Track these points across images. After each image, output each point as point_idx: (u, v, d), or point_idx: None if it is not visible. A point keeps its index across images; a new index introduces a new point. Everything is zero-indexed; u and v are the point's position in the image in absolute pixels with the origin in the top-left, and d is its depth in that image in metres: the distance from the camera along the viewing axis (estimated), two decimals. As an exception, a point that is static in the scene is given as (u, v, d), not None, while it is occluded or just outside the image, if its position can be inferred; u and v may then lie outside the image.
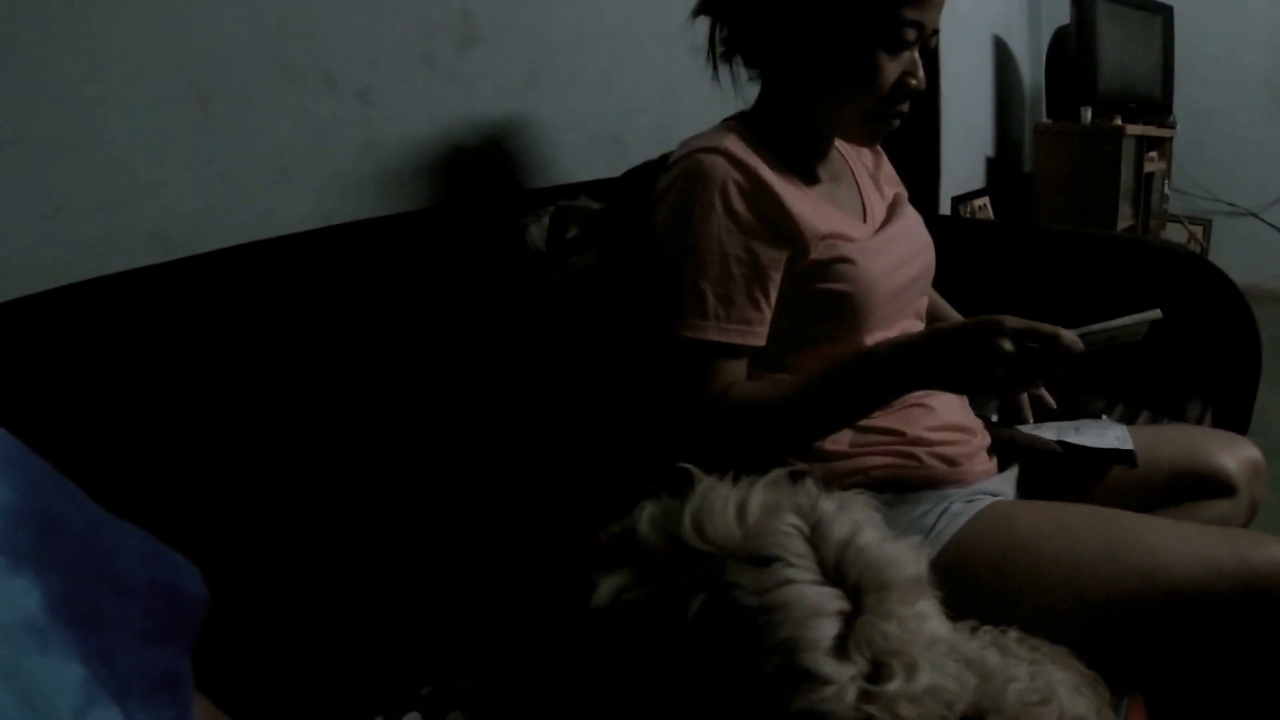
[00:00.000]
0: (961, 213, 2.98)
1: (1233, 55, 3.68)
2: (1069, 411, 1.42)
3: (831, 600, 0.54)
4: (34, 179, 0.84)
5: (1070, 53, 3.06)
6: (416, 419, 0.91)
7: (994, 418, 1.22)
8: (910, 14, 0.91)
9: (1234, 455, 1.06)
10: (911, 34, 0.92)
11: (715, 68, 1.03)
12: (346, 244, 1.04)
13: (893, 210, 1.10)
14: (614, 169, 1.38)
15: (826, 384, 0.91)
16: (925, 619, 0.57)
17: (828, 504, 0.59)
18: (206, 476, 0.75)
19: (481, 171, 1.27)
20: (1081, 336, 0.81)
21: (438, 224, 1.12)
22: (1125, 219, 3.12)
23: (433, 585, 0.83)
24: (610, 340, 0.97)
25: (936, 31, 0.96)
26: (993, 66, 3.31)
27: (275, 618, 0.74)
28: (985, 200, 3.18)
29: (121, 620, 0.44)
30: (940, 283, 1.21)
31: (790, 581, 0.54)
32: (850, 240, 0.97)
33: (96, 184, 0.89)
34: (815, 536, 0.56)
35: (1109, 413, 1.45)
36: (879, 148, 1.22)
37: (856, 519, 0.58)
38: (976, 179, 3.22)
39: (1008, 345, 0.80)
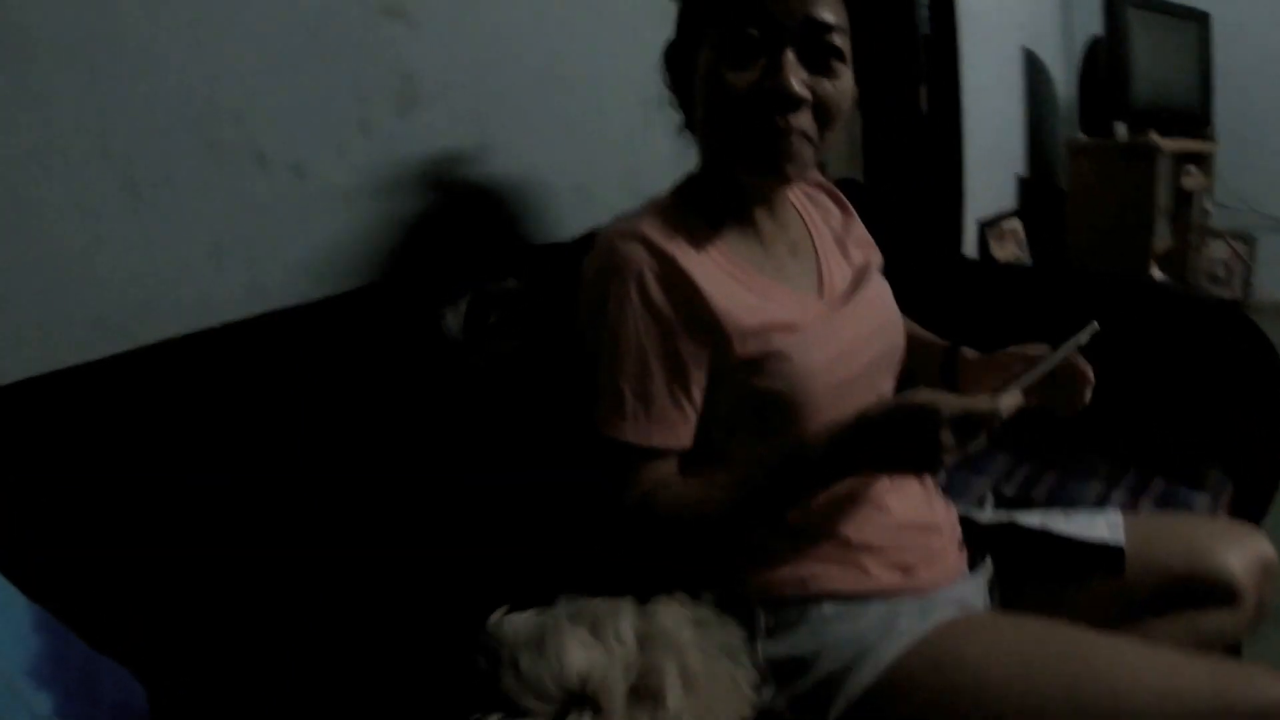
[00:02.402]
0: (989, 237, 2.85)
1: (1274, 62, 3.49)
2: (1063, 491, 1.33)
3: None
4: None
5: (1103, 65, 2.92)
6: (340, 513, 0.92)
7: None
8: (741, 18, 0.83)
9: (1241, 555, 0.94)
10: (755, 33, 0.83)
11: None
12: (270, 333, 1.00)
13: (858, 281, 1.00)
14: (581, 221, 1.32)
15: (758, 486, 0.84)
16: None
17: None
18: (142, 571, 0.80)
19: (430, 240, 1.21)
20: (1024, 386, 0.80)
21: (369, 306, 1.06)
22: (1162, 238, 2.96)
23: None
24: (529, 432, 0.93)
25: (827, 26, 0.83)
26: (1023, 80, 3.18)
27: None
28: (1016, 222, 3.05)
29: None
30: (964, 330, 1.13)
31: None
32: (788, 330, 0.88)
33: (34, 276, 0.88)
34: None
35: (1118, 479, 1.36)
36: (850, 207, 1.12)
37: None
38: (1007, 200, 3.09)
39: (948, 438, 0.75)
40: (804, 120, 0.85)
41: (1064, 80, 3.45)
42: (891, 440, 0.79)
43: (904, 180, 2.59)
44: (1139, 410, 1.46)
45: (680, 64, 0.93)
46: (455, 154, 1.24)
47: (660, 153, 0.95)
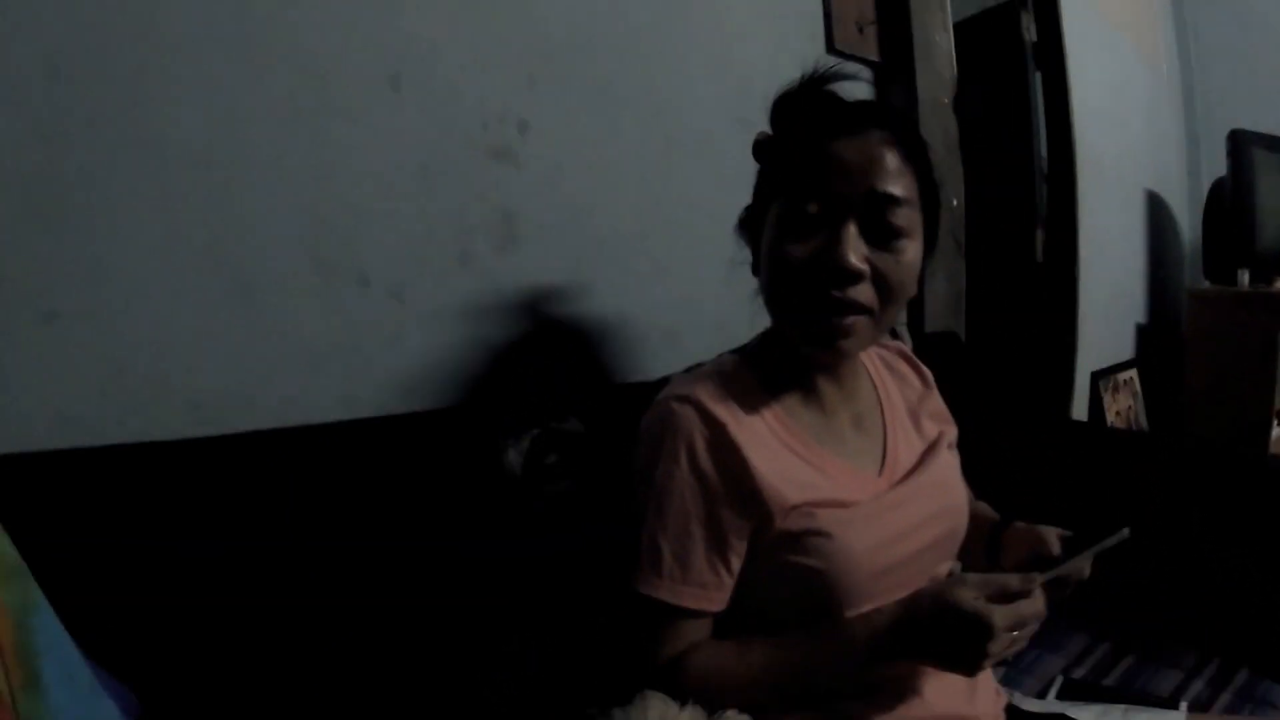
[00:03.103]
0: (1101, 389, 2.72)
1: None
2: (1137, 679, 1.27)
3: None
4: (95, 346, 0.94)
5: (1227, 208, 2.79)
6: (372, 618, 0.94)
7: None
8: (805, 192, 0.84)
9: None
10: (817, 207, 0.84)
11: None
12: (351, 439, 1.06)
13: (925, 457, 0.98)
14: (668, 364, 1.35)
15: (791, 669, 0.84)
16: None
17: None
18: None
19: (516, 369, 1.25)
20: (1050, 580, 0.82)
21: (446, 427, 1.11)
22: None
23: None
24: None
25: (892, 199, 0.83)
26: (1145, 224, 3.08)
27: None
28: (1133, 373, 2.92)
29: None
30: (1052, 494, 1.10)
31: None
32: (836, 507, 0.86)
33: (145, 356, 0.97)
34: None
35: (1200, 669, 1.28)
36: (930, 379, 1.10)
37: None
38: (1124, 349, 2.96)
39: (997, 647, 0.75)
40: (862, 293, 0.84)
41: (1190, 224, 3.34)
42: (937, 642, 0.78)
43: (1011, 331, 2.52)
44: (1230, 595, 1.40)
45: (752, 229, 0.95)
46: (549, 291, 1.30)
47: (751, 302, 0.97)
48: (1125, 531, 0.82)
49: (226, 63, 1.00)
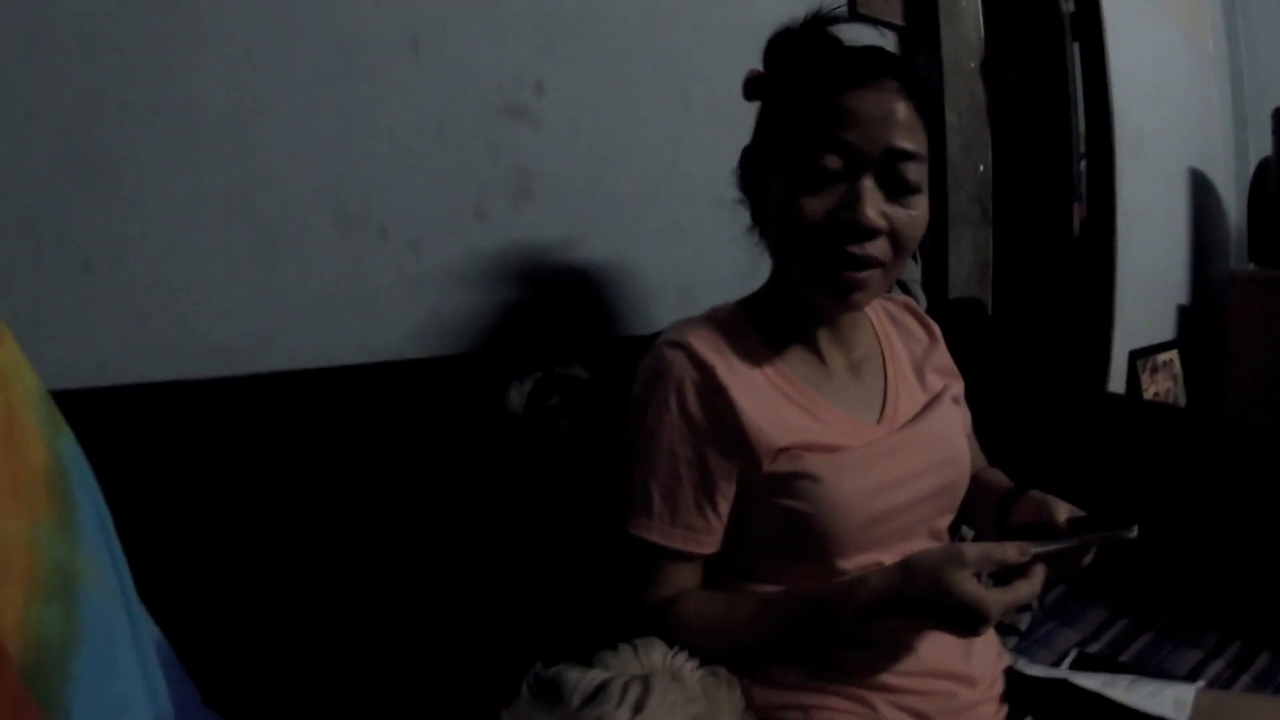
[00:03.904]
0: (1140, 369, 2.68)
1: None
2: (1155, 656, 1.24)
3: None
4: (127, 292, 0.99)
5: (1271, 187, 2.73)
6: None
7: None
8: (821, 146, 0.82)
9: None
10: (835, 162, 0.82)
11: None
12: (371, 383, 1.11)
13: (926, 409, 0.96)
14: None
15: (779, 626, 0.84)
16: None
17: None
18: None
19: (527, 321, 1.29)
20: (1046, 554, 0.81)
21: (455, 371, 1.15)
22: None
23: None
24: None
25: (908, 155, 0.82)
26: (1188, 203, 3.01)
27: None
28: (1173, 354, 2.86)
29: None
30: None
31: None
32: (826, 450, 0.86)
33: (174, 302, 1.02)
34: None
35: (1220, 650, 1.26)
36: (936, 332, 1.08)
37: None
38: (1165, 330, 2.90)
39: (987, 629, 0.77)
40: (878, 248, 0.83)
41: (1236, 204, 3.26)
42: (930, 619, 0.79)
43: (1045, 305, 2.48)
44: (1255, 577, 1.37)
45: (755, 171, 0.93)
46: (563, 246, 1.33)
47: (752, 250, 0.98)
48: (1134, 530, 0.80)
49: (254, 27, 1.04)
